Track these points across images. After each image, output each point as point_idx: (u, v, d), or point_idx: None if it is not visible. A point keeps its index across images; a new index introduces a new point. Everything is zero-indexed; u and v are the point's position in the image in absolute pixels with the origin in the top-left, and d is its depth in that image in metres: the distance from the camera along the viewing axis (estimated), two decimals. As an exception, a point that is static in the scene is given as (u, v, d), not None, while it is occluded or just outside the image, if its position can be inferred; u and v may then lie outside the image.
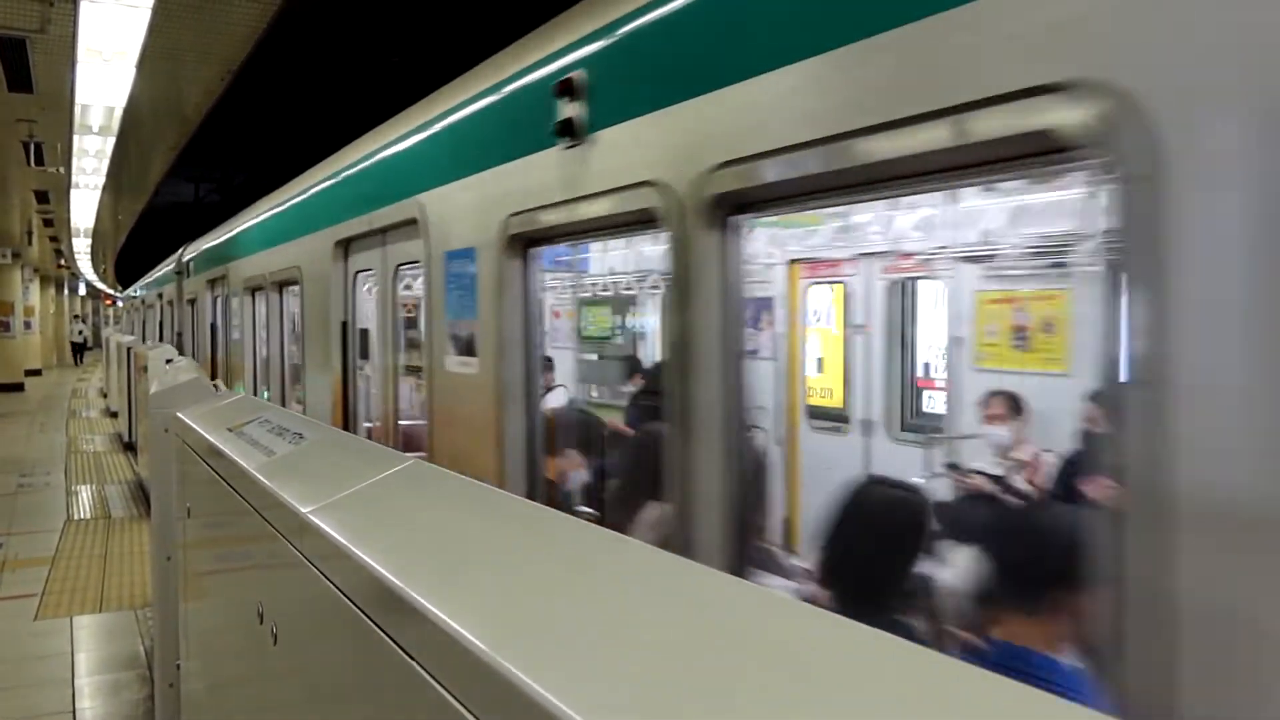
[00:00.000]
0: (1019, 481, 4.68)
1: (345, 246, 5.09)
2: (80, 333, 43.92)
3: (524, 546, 1.43)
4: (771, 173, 2.06)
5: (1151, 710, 1.32)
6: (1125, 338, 1.40)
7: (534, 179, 3.05)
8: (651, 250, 6.85)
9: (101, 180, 14.37)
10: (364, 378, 5.15)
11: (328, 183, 5.53)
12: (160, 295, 14.64)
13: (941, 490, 4.76)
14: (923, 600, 2.98)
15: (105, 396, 20.33)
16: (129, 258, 36.10)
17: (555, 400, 5.04)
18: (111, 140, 11.35)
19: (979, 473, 4.70)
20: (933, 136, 1.67)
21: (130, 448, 12.80)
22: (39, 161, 11.78)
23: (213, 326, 9.80)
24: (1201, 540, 1.30)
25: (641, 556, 1.29)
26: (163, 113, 10.88)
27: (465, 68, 3.83)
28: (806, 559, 4.08)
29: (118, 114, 10.05)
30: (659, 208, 2.39)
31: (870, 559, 2.72)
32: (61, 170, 12.88)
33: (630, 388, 7.11)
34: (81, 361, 40.92)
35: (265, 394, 7.27)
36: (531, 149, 3.06)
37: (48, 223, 21.89)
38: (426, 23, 11.93)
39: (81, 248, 27.15)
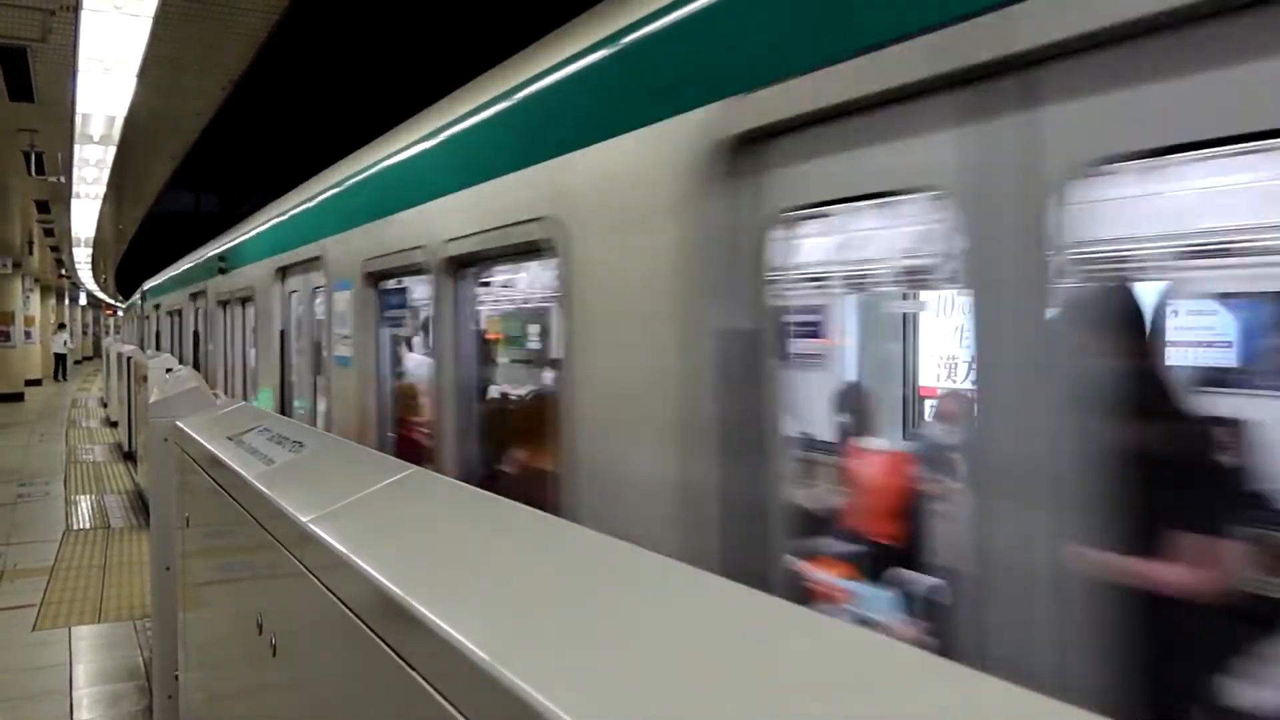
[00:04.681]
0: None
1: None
2: (65, 343, 35.27)
3: (525, 554, 1.42)
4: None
5: None
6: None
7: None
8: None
9: (102, 190, 14.38)
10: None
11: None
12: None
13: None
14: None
15: (105, 406, 20.31)
16: (129, 267, 36.12)
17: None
18: (112, 150, 11.36)
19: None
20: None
21: (130, 457, 12.79)
22: (40, 171, 11.77)
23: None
24: None
25: (643, 563, 1.28)
26: (163, 122, 10.88)
27: (466, 77, 3.83)
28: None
29: (118, 123, 10.06)
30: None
31: None
32: (62, 180, 12.87)
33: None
34: (65, 377, 33.26)
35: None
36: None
37: (48, 232, 21.90)
38: (426, 31, 11.96)
39: (82, 257, 27.17)
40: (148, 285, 19.76)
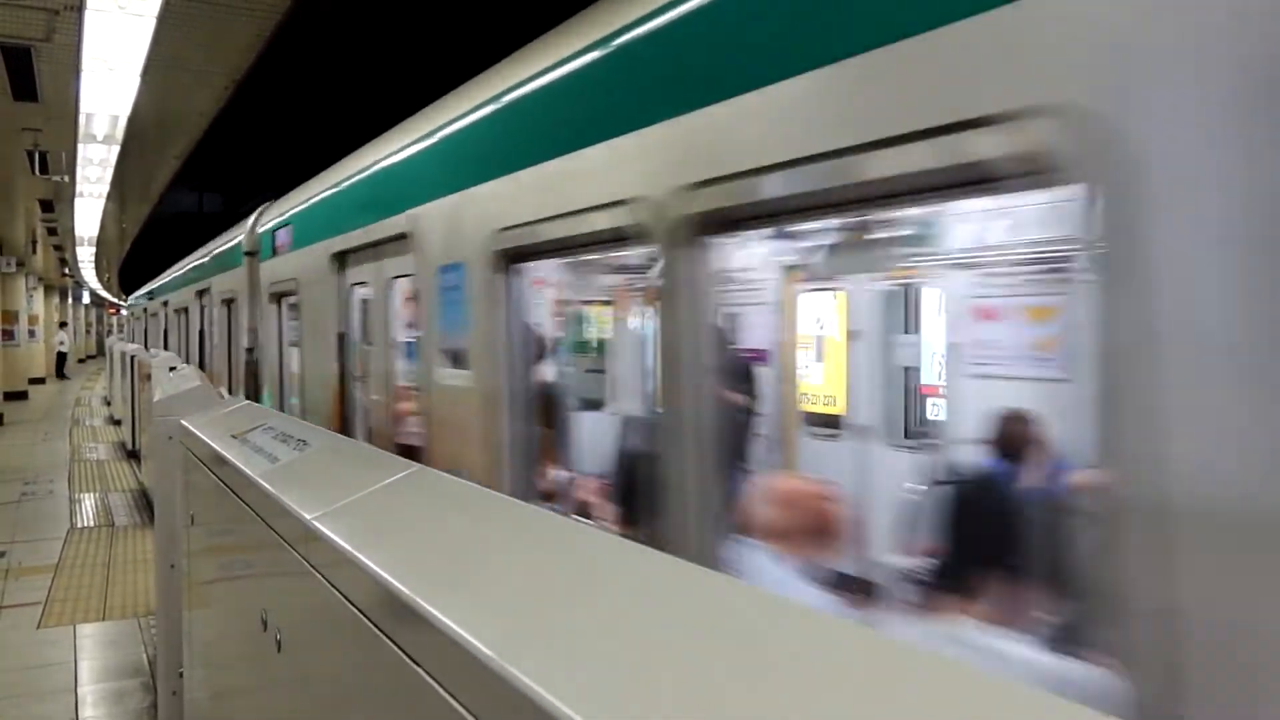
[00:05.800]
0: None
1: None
2: (63, 341, 34.98)
3: (529, 552, 1.42)
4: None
5: None
6: None
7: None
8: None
9: (105, 189, 14.42)
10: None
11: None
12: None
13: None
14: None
15: (109, 405, 20.35)
16: (132, 266, 36.18)
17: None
18: (116, 149, 11.38)
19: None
20: None
21: (134, 456, 12.81)
22: (44, 170, 11.78)
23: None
24: None
25: (647, 561, 1.29)
26: (167, 122, 10.89)
27: (466, 76, 3.84)
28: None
29: (122, 123, 10.08)
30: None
31: None
32: (66, 179, 12.90)
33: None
34: (64, 375, 33.39)
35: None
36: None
37: (52, 231, 21.93)
38: (429, 31, 11.98)
39: (85, 256, 27.23)
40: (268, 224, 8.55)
